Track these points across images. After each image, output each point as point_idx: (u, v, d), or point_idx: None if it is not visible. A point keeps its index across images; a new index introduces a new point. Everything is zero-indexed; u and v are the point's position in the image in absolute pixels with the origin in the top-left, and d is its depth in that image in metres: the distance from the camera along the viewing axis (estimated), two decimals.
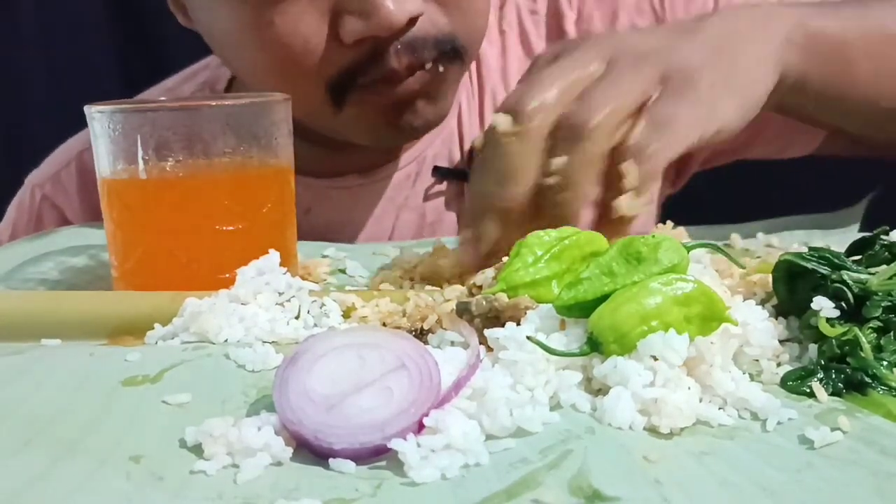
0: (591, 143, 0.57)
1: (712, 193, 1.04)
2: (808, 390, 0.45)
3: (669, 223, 0.68)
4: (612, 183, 0.58)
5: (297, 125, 0.80)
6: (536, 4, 0.96)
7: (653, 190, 0.58)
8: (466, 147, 0.90)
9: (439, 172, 0.91)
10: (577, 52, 0.63)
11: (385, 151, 0.89)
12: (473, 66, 0.93)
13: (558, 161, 0.57)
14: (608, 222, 0.58)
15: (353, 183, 0.91)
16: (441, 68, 0.77)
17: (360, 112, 0.77)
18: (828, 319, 0.47)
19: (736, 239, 0.73)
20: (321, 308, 0.55)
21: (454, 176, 0.91)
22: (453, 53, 0.77)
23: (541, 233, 0.51)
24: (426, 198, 0.92)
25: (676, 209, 1.03)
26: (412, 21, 0.72)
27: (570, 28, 0.94)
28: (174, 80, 1.01)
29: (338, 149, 0.87)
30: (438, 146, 0.92)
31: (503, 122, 0.58)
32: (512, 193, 0.58)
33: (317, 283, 0.66)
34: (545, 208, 0.58)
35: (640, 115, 0.59)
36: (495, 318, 0.49)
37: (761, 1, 0.85)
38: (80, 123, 0.63)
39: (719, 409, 0.43)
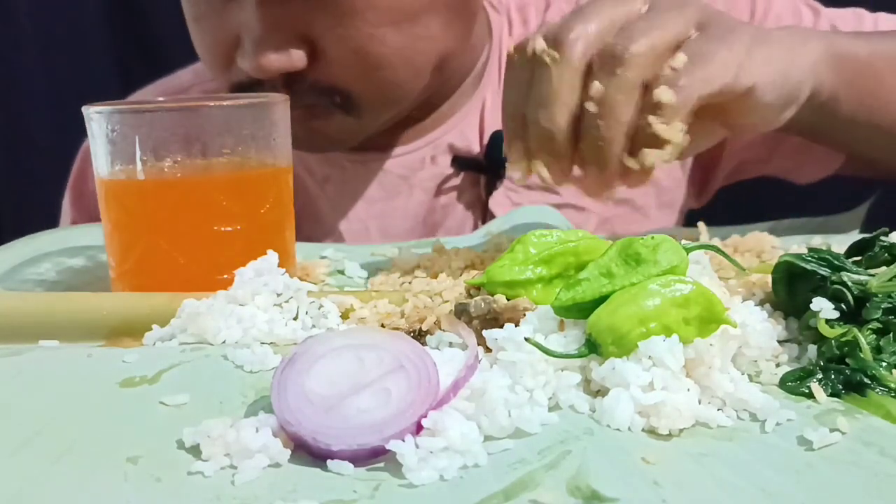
0: (629, 71, 0.58)
1: (715, 195, 1.04)
2: (807, 391, 0.45)
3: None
4: (647, 107, 0.59)
5: None
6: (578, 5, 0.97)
7: (683, 119, 0.59)
8: (486, 138, 0.93)
9: (458, 163, 0.94)
10: None
11: (402, 133, 0.94)
12: (504, 61, 0.94)
13: (597, 88, 0.58)
14: (640, 143, 0.60)
15: (369, 158, 0.94)
16: (327, 113, 0.83)
17: None
18: (827, 321, 0.47)
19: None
20: (319, 309, 0.55)
21: (471, 167, 0.94)
22: (345, 108, 0.84)
23: (544, 232, 0.51)
24: (440, 186, 0.94)
25: None
26: (297, 72, 0.80)
27: None
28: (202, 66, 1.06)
29: None
30: (457, 136, 0.94)
31: (542, 44, 0.59)
32: (554, 116, 0.60)
33: (315, 284, 0.66)
34: (583, 134, 0.60)
35: (677, 51, 0.60)
36: (494, 319, 0.49)
37: (795, 23, 0.87)
38: (79, 124, 0.63)
39: (718, 410, 0.43)
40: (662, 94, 0.58)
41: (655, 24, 0.60)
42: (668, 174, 0.97)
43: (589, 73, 0.59)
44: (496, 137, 0.92)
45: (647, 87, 0.59)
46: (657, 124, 0.58)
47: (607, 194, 0.62)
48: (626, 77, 0.58)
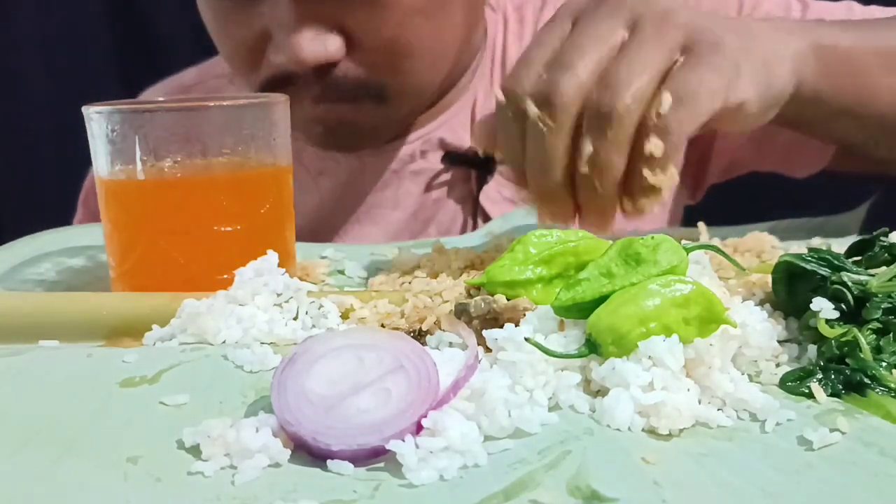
0: (620, 129, 0.58)
1: (715, 195, 1.05)
2: (807, 391, 0.45)
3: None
4: (638, 154, 0.59)
5: None
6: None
7: (676, 161, 0.59)
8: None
9: (449, 159, 0.95)
10: (600, 14, 0.62)
11: (394, 128, 0.95)
12: (498, 59, 0.99)
13: (588, 150, 0.58)
14: (636, 192, 0.60)
15: (363, 152, 0.95)
16: (361, 106, 0.85)
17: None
18: (827, 321, 0.47)
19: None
20: (319, 309, 0.55)
21: (462, 162, 0.95)
22: (378, 97, 0.85)
23: (544, 231, 0.51)
24: (431, 180, 0.96)
25: (680, 209, 1.04)
26: (332, 63, 0.81)
27: None
28: None
29: None
30: (447, 130, 0.95)
31: (535, 111, 0.59)
32: (551, 178, 0.60)
33: (315, 284, 0.66)
34: (579, 190, 0.61)
35: (664, 81, 0.59)
36: (494, 319, 0.49)
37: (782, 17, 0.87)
38: (79, 124, 0.63)
39: (718, 410, 0.43)
40: (654, 148, 0.57)
41: (638, 63, 0.58)
42: None
43: (579, 127, 0.59)
44: None
45: (638, 132, 0.59)
46: (651, 177, 0.58)
47: (610, 228, 0.63)
48: (616, 136, 0.58)
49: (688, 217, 1.02)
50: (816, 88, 0.70)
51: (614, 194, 0.60)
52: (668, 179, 0.59)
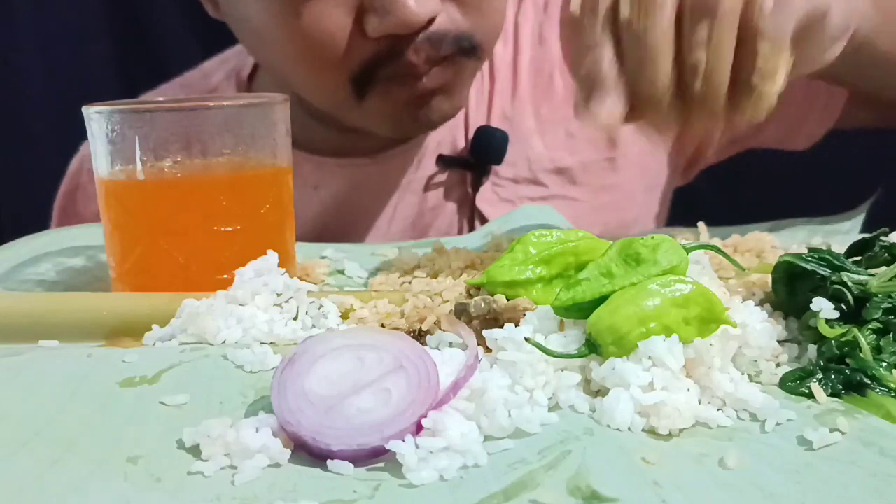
0: (724, 28, 0.56)
1: (715, 194, 1.05)
2: (807, 391, 0.45)
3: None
4: (740, 62, 0.58)
5: (313, 108, 0.87)
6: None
7: (781, 63, 0.58)
8: (471, 136, 0.95)
9: (443, 161, 0.95)
10: None
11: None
12: (486, 64, 0.98)
13: (699, 40, 0.57)
14: (742, 100, 0.58)
15: (359, 163, 0.95)
16: (458, 63, 0.82)
17: (380, 104, 0.83)
18: (827, 321, 0.47)
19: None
20: (319, 309, 0.55)
21: (457, 165, 0.95)
22: (470, 50, 0.82)
23: (544, 232, 0.51)
24: (427, 187, 0.96)
25: (680, 209, 1.04)
26: (431, 20, 0.77)
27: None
28: (210, 63, 1.05)
29: (348, 131, 0.91)
30: (443, 134, 0.96)
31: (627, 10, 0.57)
32: (658, 77, 0.58)
33: (315, 284, 0.66)
34: (686, 87, 0.58)
35: None
36: (494, 319, 0.49)
37: None
38: (79, 124, 0.63)
39: (718, 410, 0.43)
40: (765, 49, 0.57)
41: None
42: (653, 156, 0.98)
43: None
44: (480, 133, 0.94)
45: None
46: (760, 82, 0.57)
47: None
48: (721, 36, 0.56)
49: (688, 217, 1.01)
50: (869, 34, 0.70)
51: (723, 96, 0.58)
52: (776, 84, 0.58)
